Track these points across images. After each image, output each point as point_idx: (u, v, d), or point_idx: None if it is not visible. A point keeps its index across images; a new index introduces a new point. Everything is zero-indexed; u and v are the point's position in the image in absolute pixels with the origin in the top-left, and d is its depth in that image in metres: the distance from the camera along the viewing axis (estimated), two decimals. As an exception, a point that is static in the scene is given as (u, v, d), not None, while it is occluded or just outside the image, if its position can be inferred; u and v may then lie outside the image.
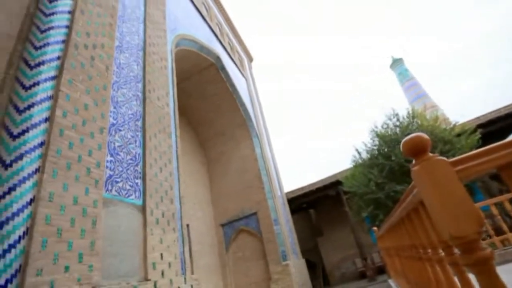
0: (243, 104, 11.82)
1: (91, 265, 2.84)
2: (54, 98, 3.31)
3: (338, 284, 13.37)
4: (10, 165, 2.72)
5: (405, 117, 9.81)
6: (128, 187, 4.00)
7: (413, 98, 29.09)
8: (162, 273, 3.79)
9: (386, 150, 9.25)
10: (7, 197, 2.56)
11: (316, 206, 15.95)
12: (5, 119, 2.98)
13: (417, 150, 0.99)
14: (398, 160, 8.47)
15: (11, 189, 2.61)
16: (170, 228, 4.42)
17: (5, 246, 2.31)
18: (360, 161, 10.58)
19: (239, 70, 13.39)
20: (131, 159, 4.27)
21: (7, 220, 2.44)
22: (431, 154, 0.98)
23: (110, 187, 3.69)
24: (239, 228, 10.41)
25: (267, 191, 10.64)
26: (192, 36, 8.72)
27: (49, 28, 3.62)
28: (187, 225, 5.23)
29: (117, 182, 3.84)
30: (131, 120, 4.63)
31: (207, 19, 10.76)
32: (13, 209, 2.51)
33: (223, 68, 10.68)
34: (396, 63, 33.25)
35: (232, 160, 11.67)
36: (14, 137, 2.88)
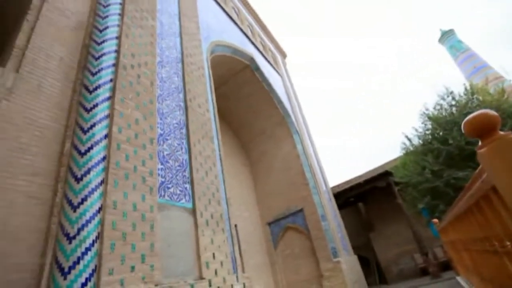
0: (280, 102, 11.80)
1: (153, 265, 3.14)
2: (110, 116, 3.71)
3: (396, 281, 12.62)
4: (81, 179, 3.13)
5: (461, 94, 8.81)
6: (178, 191, 4.31)
7: (471, 72, 25.82)
8: (216, 272, 4.00)
9: (441, 133, 8.43)
10: (81, 206, 2.96)
11: (365, 200, 15.25)
12: (73, 138, 3.44)
13: (484, 129, 0.87)
14: (457, 143, 7.65)
15: (83, 200, 3.00)
16: (219, 228, 4.64)
17: (83, 249, 2.68)
18: (411, 148, 9.83)
19: (274, 68, 13.39)
20: (179, 165, 4.58)
21: (83, 226, 2.82)
22: (502, 133, 0.86)
23: (163, 193, 4.01)
24: (286, 225, 10.44)
25: (311, 187, 10.49)
26: (225, 41, 8.97)
27: (102, 55, 4.06)
28: (235, 225, 5.43)
29: (168, 188, 4.16)
30: (176, 129, 4.95)
31: (238, 22, 10.95)
32: (86, 217, 2.89)
33: (257, 68, 10.78)
34: (446, 36, 29.72)
35: (274, 159, 11.75)
36: (82, 154, 3.30)
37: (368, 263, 14.18)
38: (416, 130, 9.63)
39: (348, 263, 9.57)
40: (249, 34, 11.78)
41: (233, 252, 4.76)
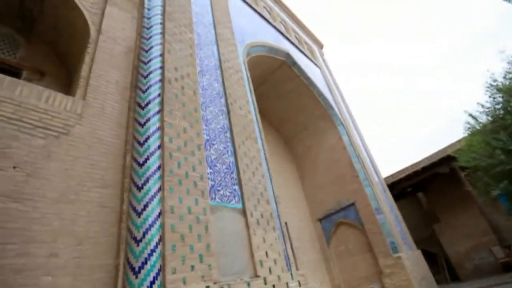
0: (321, 94, 11.47)
1: (210, 264, 3.35)
2: (161, 128, 4.05)
3: (471, 277, 11.36)
4: (142, 187, 3.49)
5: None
6: (228, 193, 4.51)
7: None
8: (270, 270, 4.10)
9: (516, 105, 7.33)
10: (144, 212, 3.29)
11: (425, 189, 14.00)
12: (132, 151, 3.83)
13: None
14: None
15: (145, 206, 3.34)
16: (270, 227, 4.73)
17: (149, 251, 2.99)
18: (477, 127, 8.70)
19: (311, 60, 13.05)
20: (226, 168, 4.78)
21: (147, 230, 3.14)
22: None
23: (214, 196, 4.24)
24: (338, 221, 10.14)
25: (362, 179, 10.01)
26: (259, 41, 9.04)
27: (149, 73, 4.45)
28: (285, 223, 5.47)
29: (218, 190, 4.38)
30: (221, 133, 5.17)
31: (270, 20, 10.93)
32: (149, 221, 3.21)
33: (294, 63, 10.64)
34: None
35: (320, 153, 11.48)
36: (140, 165, 3.67)
37: (435, 258, 13.01)
38: (482, 106, 8.47)
39: (411, 258, 8.92)
40: (283, 30, 11.67)
41: (286, 250, 4.81)
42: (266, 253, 4.28)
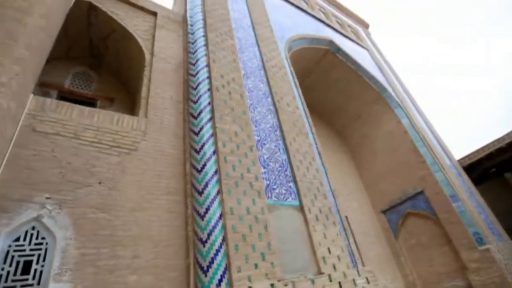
0: (372, 77, 10.70)
1: (273, 262, 3.44)
2: (214, 134, 4.28)
3: None
4: (202, 192, 3.74)
5: None
6: (283, 191, 4.54)
7: None
8: (334, 267, 4.01)
9: None
10: (206, 215, 3.54)
11: (513, 169, 11.95)
12: (191, 159, 4.14)
13: None
14: None
15: (207, 209, 3.58)
16: (330, 222, 4.62)
17: (214, 251, 3.20)
18: None
19: (357, 43, 12.25)
20: (279, 166, 4.82)
21: (211, 232, 3.37)
22: None
23: (270, 194, 4.32)
24: (405, 212, 9.33)
25: (430, 163, 9.02)
26: (299, 34, 8.84)
27: (198, 84, 4.75)
28: (346, 217, 5.27)
29: (274, 189, 4.45)
30: (271, 132, 5.23)
31: (309, 10, 10.59)
32: (211, 223, 3.44)
33: (339, 50, 10.13)
34: None
35: (377, 140, 10.72)
36: (199, 171, 3.95)
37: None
38: None
39: (503, 250, 7.73)
40: (323, 17, 11.20)
41: (349, 245, 4.64)
42: (329, 249, 4.19)
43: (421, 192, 8.97)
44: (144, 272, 2.98)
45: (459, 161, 11.39)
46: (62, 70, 5.62)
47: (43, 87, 5.09)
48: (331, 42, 9.94)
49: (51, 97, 4.91)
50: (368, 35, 14.51)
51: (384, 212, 9.96)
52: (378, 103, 10.75)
